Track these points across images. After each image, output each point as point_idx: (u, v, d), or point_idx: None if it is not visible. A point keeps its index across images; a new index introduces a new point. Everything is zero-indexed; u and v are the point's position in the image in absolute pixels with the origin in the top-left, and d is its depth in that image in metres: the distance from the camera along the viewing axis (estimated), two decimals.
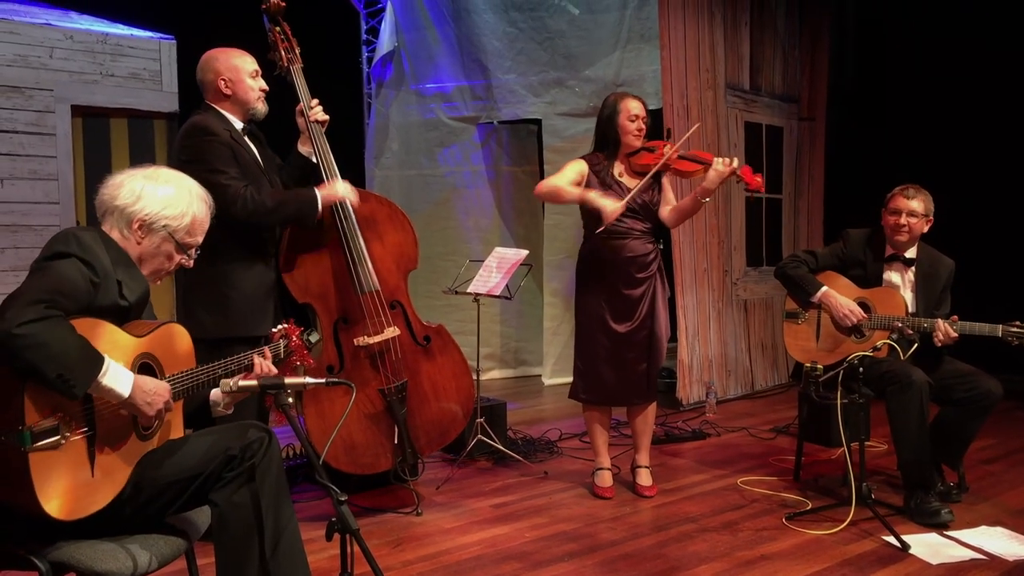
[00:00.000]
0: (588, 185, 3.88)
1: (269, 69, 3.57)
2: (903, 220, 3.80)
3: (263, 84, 3.40)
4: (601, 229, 3.74)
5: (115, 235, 2.23)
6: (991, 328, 3.57)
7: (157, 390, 2.08)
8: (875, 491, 3.63)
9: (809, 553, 3.31)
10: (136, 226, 2.22)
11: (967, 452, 3.91)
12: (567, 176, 3.88)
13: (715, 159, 3.73)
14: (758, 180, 3.73)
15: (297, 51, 3.55)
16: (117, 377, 1.99)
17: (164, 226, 2.24)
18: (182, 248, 2.29)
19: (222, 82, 3.31)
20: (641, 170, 3.89)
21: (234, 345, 3.14)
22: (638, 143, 3.89)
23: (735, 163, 3.72)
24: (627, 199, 3.78)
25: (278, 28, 3.54)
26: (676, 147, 3.83)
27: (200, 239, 2.34)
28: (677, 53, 5.80)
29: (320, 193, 3.37)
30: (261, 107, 3.39)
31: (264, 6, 3.54)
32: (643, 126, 3.89)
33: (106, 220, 2.24)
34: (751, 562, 3.23)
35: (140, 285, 2.22)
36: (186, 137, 3.24)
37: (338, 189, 3.42)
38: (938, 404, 3.80)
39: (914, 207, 3.79)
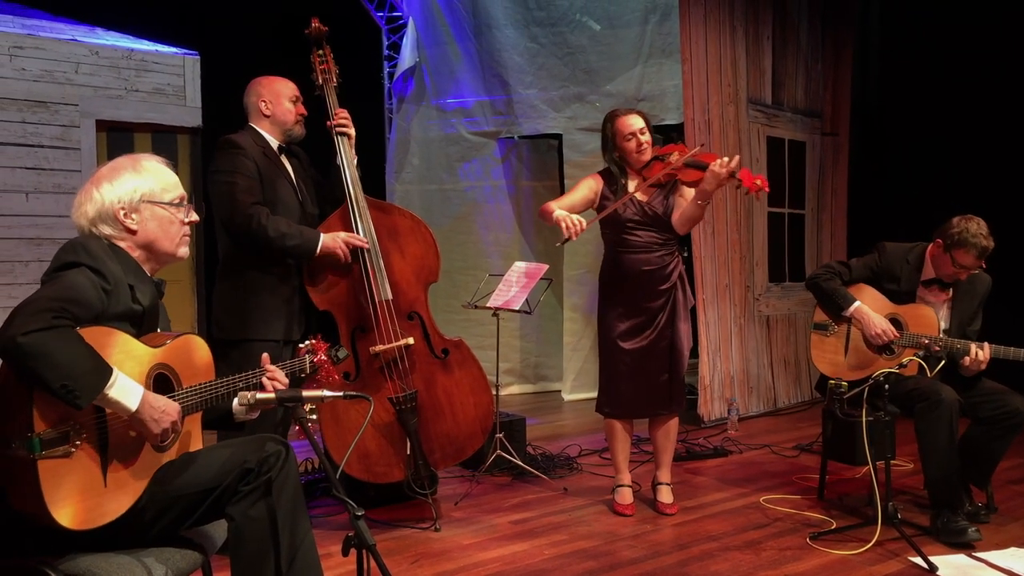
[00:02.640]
0: (603, 200, 3.84)
1: (310, 90, 3.74)
2: (964, 276, 3.71)
3: (302, 109, 3.59)
4: (560, 243, 3.65)
5: (115, 242, 2.20)
6: None
7: (166, 409, 2.04)
8: (902, 511, 3.56)
9: (834, 573, 3.25)
10: (122, 215, 2.19)
11: (995, 471, 3.83)
12: (579, 194, 3.87)
13: (715, 160, 3.59)
14: (757, 183, 3.57)
15: (334, 72, 3.73)
16: (125, 390, 1.95)
17: (140, 197, 2.21)
18: (173, 205, 2.26)
19: (263, 103, 3.52)
20: (654, 182, 3.82)
21: (253, 345, 3.34)
22: (646, 157, 3.82)
23: (734, 163, 3.57)
24: (597, 217, 3.76)
25: (319, 51, 3.73)
26: (682, 158, 3.74)
27: (181, 191, 2.30)
28: (699, 68, 5.78)
29: (323, 239, 3.47)
30: (298, 129, 3.59)
31: (307, 31, 3.74)
32: (642, 140, 3.78)
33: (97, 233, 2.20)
34: None
35: (150, 290, 2.22)
36: (217, 149, 3.44)
37: (338, 240, 3.50)
38: (968, 419, 3.73)
39: (982, 263, 3.66)
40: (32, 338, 1.81)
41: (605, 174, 3.93)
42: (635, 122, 3.80)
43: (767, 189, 3.62)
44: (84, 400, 1.85)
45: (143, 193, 2.22)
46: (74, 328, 1.90)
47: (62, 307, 1.89)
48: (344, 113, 3.68)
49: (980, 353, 3.55)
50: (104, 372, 1.91)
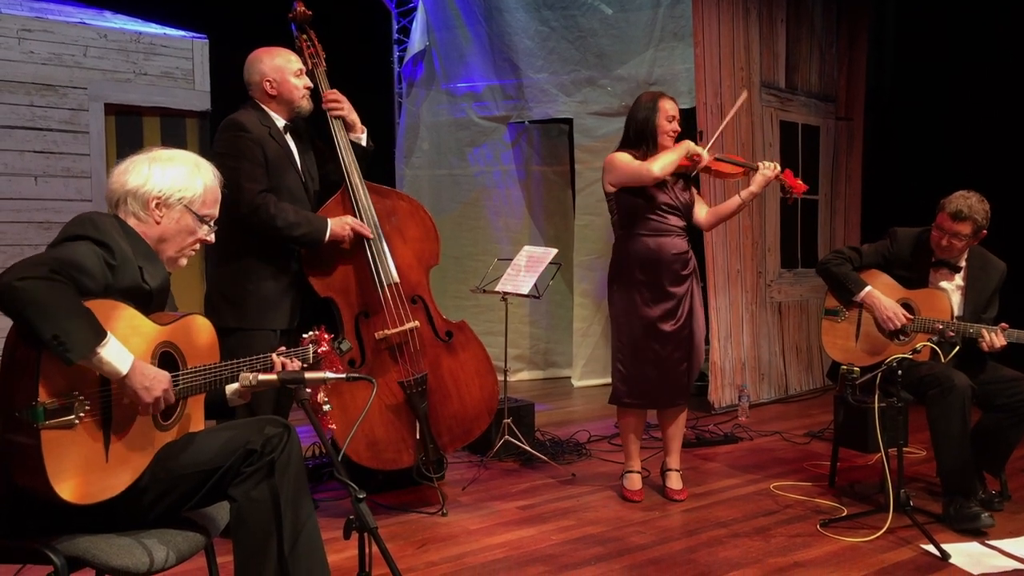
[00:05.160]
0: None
1: None
2: (945, 242, 3.66)
3: (307, 82, 3.50)
4: (698, 167, 3.81)
5: (132, 222, 2.20)
6: None
7: (157, 376, 2.02)
8: (914, 498, 3.52)
9: (844, 561, 3.21)
10: (153, 204, 2.20)
11: (1010, 459, 3.78)
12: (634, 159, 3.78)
13: (762, 163, 3.79)
14: (800, 184, 3.73)
15: (322, 56, 3.67)
16: (116, 353, 1.93)
17: (180, 199, 2.23)
18: (201, 220, 2.27)
19: (267, 83, 3.43)
20: (677, 171, 3.81)
21: (252, 334, 3.31)
22: (672, 144, 3.83)
23: (778, 167, 3.78)
24: (711, 142, 3.91)
25: (304, 36, 3.67)
26: (711, 145, 3.84)
27: (216, 210, 2.32)
28: (711, 51, 5.71)
29: (331, 225, 3.41)
30: (306, 104, 3.50)
31: (291, 15, 3.67)
32: (678, 128, 3.85)
33: (120, 209, 2.21)
34: (784, 569, 3.14)
35: (160, 273, 2.20)
36: (222, 131, 3.37)
37: (346, 226, 3.46)
38: (980, 409, 3.68)
39: (959, 230, 3.60)
40: (28, 284, 1.80)
41: (632, 153, 3.81)
42: (675, 108, 3.88)
43: (800, 195, 3.87)
44: (75, 355, 1.83)
45: (185, 197, 2.23)
46: (72, 288, 1.88)
47: (61, 266, 1.88)
48: (334, 94, 3.60)
49: (995, 339, 3.50)
50: (99, 333, 1.89)
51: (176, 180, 2.22)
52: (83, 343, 1.85)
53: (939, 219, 3.66)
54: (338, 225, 3.43)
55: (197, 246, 2.31)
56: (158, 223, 2.21)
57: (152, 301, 2.15)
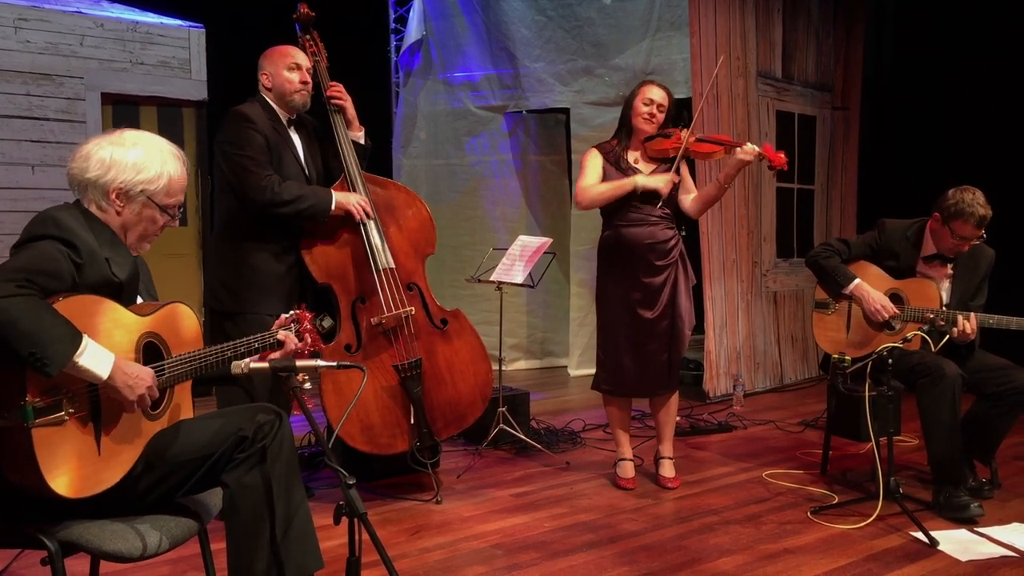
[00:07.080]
0: (605, 174, 3.84)
1: None
2: (967, 247, 3.66)
3: (305, 77, 3.53)
4: (660, 203, 3.73)
5: (93, 210, 2.16)
6: (1018, 322, 3.48)
7: (140, 374, 2.00)
8: (904, 486, 3.55)
9: (834, 547, 3.24)
10: (114, 196, 2.14)
11: (1000, 447, 3.81)
12: (592, 175, 3.83)
13: (741, 145, 3.68)
14: (781, 156, 3.65)
15: (324, 55, 3.76)
16: (95, 358, 1.91)
17: (141, 191, 2.16)
18: (164, 210, 2.22)
19: (264, 76, 3.53)
20: (656, 155, 3.86)
21: (247, 317, 3.41)
22: (648, 128, 3.82)
23: (756, 149, 3.67)
24: (673, 168, 3.77)
25: (308, 36, 3.75)
26: (692, 129, 3.78)
27: (181, 198, 2.26)
28: (707, 40, 5.71)
29: (336, 196, 3.50)
30: (298, 99, 3.54)
31: (295, 16, 3.75)
32: (656, 113, 3.81)
33: (82, 196, 2.17)
34: (774, 555, 3.17)
35: (128, 261, 2.17)
36: (226, 122, 3.46)
37: (351, 199, 3.54)
38: (973, 395, 3.70)
39: (981, 232, 3.61)
40: None
41: (602, 146, 3.92)
42: (657, 93, 3.83)
43: (786, 168, 3.73)
44: (53, 368, 1.82)
45: (148, 188, 2.17)
46: (42, 298, 1.86)
47: (27, 277, 1.85)
48: (337, 87, 3.69)
49: (967, 325, 3.52)
50: (74, 340, 1.86)
51: (139, 171, 2.15)
52: (60, 355, 1.83)
53: (959, 229, 3.60)
54: (343, 196, 3.52)
55: (160, 232, 2.27)
56: (119, 214, 2.16)
57: (123, 292, 2.13)
